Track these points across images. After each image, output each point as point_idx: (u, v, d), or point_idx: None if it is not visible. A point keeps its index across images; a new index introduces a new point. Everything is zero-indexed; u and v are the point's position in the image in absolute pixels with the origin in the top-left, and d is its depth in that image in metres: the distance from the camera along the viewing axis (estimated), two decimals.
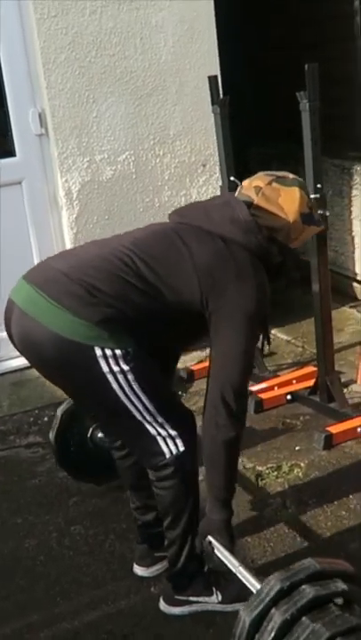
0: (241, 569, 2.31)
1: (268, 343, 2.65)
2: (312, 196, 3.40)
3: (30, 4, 3.92)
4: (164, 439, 2.35)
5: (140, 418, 2.31)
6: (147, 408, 2.30)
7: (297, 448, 3.47)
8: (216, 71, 4.15)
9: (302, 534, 2.89)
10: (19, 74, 4.02)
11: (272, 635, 1.86)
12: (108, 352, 2.22)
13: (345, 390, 3.78)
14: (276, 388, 3.93)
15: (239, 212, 2.41)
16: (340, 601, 1.88)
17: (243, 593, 2.55)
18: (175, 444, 2.36)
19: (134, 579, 2.75)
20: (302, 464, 3.33)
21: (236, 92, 4.10)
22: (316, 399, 3.75)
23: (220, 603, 2.55)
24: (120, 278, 2.27)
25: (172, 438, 2.36)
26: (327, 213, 3.46)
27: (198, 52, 4.25)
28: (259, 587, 1.99)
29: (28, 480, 3.44)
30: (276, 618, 1.87)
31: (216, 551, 2.42)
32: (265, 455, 3.43)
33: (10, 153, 4.15)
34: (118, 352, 2.23)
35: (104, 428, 2.74)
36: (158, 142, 4.29)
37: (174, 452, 2.37)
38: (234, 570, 2.33)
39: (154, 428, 2.33)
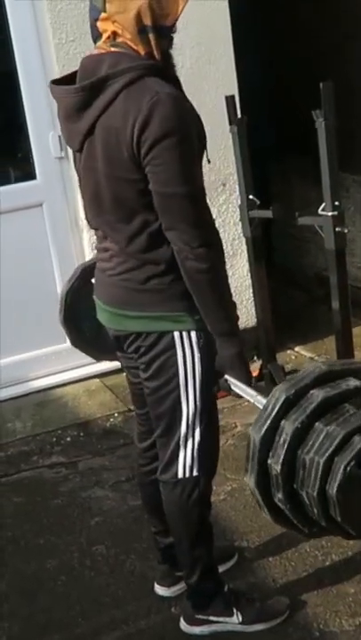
0: (259, 397, 2.18)
1: (266, 347, 2.56)
2: (330, 213, 3.42)
3: (49, 29, 3.97)
4: (184, 454, 2.36)
5: (184, 410, 2.34)
6: (195, 403, 2.33)
7: None
8: (234, 91, 4.17)
9: (324, 553, 2.87)
10: (38, 98, 4.07)
11: (285, 447, 1.75)
12: (185, 335, 2.28)
13: None
14: None
15: (77, 92, 2.16)
16: (357, 399, 1.74)
17: (264, 613, 2.56)
18: (191, 467, 2.37)
19: (155, 598, 2.75)
20: None
21: (254, 109, 4.13)
22: None
23: (240, 623, 2.54)
24: (128, 248, 2.26)
25: (193, 459, 2.36)
26: (345, 230, 3.46)
27: (216, 73, 4.28)
28: None
29: (51, 500, 3.45)
30: (287, 429, 1.76)
31: (233, 387, 2.33)
32: None
33: (31, 176, 4.20)
34: (194, 335, 2.28)
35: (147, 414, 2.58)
36: None
37: (187, 474, 2.37)
38: (252, 400, 2.23)
39: (185, 435, 2.35)
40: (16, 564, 3.06)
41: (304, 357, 4.60)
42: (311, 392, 1.79)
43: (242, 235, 4.11)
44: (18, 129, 4.18)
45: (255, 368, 4.26)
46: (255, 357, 4.38)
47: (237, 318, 2.32)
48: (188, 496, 2.41)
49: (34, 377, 4.34)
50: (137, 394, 2.58)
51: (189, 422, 2.35)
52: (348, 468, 1.70)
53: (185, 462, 2.38)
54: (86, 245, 4.25)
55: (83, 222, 4.21)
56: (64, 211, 4.25)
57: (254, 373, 4.20)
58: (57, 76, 3.97)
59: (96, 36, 2.21)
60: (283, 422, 1.78)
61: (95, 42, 2.23)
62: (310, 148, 3.45)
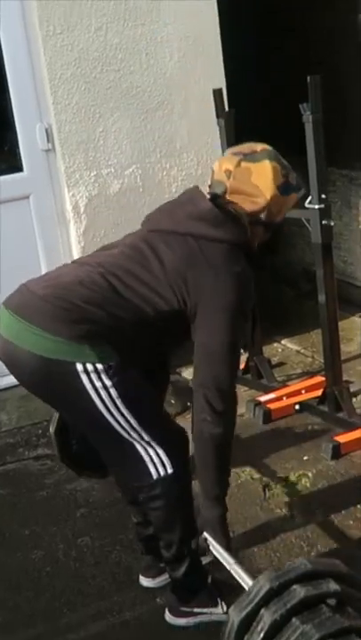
0: (235, 566, 2.29)
1: (253, 340, 2.66)
2: (316, 206, 3.43)
3: (36, 22, 3.96)
4: (151, 459, 2.34)
5: (125, 435, 2.29)
6: (132, 425, 2.28)
7: (305, 458, 3.47)
8: (221, 84, 4.18)
9: (309, 544, 2.89)
10: (25, 90, 4.06)
11: (261, 635, 1.82)
12: (90, 367, 2.21)
13: (353, 400, 3.77)
14: (284, 398, 3.93)
15: (203, 206, 2.38)
16: (332, 602, 1.85)
17: None
18: (163, 465, 2.34)
19: (140, 590, 2.76)
20: (310, 474, 3.33)
21: (241, 104, 4.13)
22: (325, 409, 3.75)
23: (225, 613, 2.54)
24: (96, 294, 2.27)
25: (160, 458, 2.34)
26: (332, 223, 3.47)
27: (204, 67, 4.28)
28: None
29: (36, 492, 3.45)
30: (266, 618, 1.83)
31: (211, 548, 2.41)
32: (273, 465, 3.43)
33: (17, 168, 4.19)
34: (100, 366, 2.21)
35: (95, 446, 2.59)
36: (165, 155, 4.31)
37: (162, 473, 2.35)
38: (228, 567, 2.31)
39: (141, 445, 2.32)
40: (1, 555, 3.06)
41: (291, 350, 4.61)
42: (294, 587, 1.87)
43: None
44: (4, 121, 4.16)
45: (242, 361, 4.27)
46: (242, 350, 4.38)
47: (228, 485, 2.49)
48: (169, 493, 2.38)
49: None
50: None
51: (132, 432, 2.30)
52: None
53: (154, 463, 2.35)
54: (73, 238, 4.25)
55: (70, 215, 4.21)
56: (51, 203, 4.24)
57: (241, 366, 4.22)
58: (44, 68, 3.99)
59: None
60: (263, 611, 1.87)
61: None
62: (297, 142, 3.46)
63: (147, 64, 4.18)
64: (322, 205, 3.44)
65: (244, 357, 4.26)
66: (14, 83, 4.07)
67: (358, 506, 3.07)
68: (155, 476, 2.35)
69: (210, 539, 2.43)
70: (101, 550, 3.00)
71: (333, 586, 1.88)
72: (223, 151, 3.93)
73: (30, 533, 3.16)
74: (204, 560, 2.63)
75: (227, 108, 3.98)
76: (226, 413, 2.38)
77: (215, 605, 2.55)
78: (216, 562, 2.67)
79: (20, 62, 4.04)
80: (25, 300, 2.33)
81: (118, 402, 2.25)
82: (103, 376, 2.22)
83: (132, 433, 2.30)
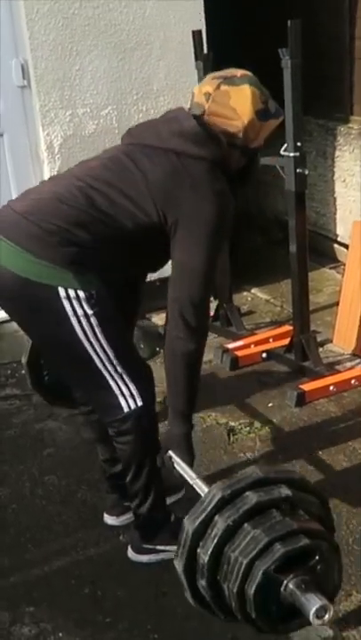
0: (198, 481, 2.33)
1: (233, 262, 2.65)
2: (291, 154, 3.42)
3: None
4: (122, 392, 2.37)
5: (100, 366, 2.33)
6: (108, 355, 2.32)
7: (270, 405, 3.52)
8: (201, 26, 4.12)
9: None
10: (2, 24, 3.97)
11: (215, 541, 1.89)
12: (72, 293, 2.23)
13: (320, 350, 3.82)
14: (252, 346, 3.97)
15: (187, 124, 2.38)
16: (286, 506, 1.91)
17: None
18: (133, 398, 2.38)
19: (104, 527, 2.80)
20: (274, 420, 3.39)
21: (221, 48, 4.08)
22: (292, 357, 3.79)
23: None
24: (77, 212, 2.28)
25: (130, 392, 2.38)
26: (306, 172, 3.47)
27: (183, 7, 4.21)
28: None
29: (4, 431, 3.47)
30: (220, 525, 1.90)
31: (176, 465, 2.45)
32: (238, 411, 3.48)
33: None
34: (82, 294, 2.24)
35: (66, 379, 2.67)
36: (142, 97, 4.26)
37: (132, 406, 2.39)
38: (191, 482, 2.35)
39: (113, 379, 2.35)
40: None
41: (260, 299, 4.64)
42: (246, 494, 1.93)
43: None
44: None
45: (211, 308, 4.29)
46: (212, 298, 4.39)
47: (195, 404, 2.50)
48: (140, 426, 2.43)
49: None
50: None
51: (107, 363, 2.34)
52: (266, 574, 1.85)
53: (124, 396, 2.38)
54: (46, 177, 4.19)
55: (44, 154, 4.16)
56: (25, 142, 4.18)
57: (210, 313, 4.24)
58: (21, 1, 3.90)
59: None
60: (216, 517, 1.93)
61: None
62: (275, 88, 3.43)
63: (126, 2, 4.09)
64: (297, 153, 3.43)
65: (213, 305, 4.29)
66: None
67: (319, 452, 3.13)
68: (125, 409, 2.39)
69: (174, 456, 2.45)
70: (67, 489, 3.04)
71: (285, 491, 1.94)
72: None
73: None
74: (169, 500, 2.68)
75: (205, 51, 3.93)
76: (199, 330, 2.39)
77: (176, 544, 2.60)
78: (180, 500, 2.74)
79: None
80: (10, 220, 2.32)
81: (98, 330, 2.28)
82: (85, 304, 2.25)
83: (106, 364, 2.33)
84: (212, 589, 1.94)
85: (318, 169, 4.92)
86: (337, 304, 4.07)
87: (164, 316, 2.53)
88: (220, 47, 4.08)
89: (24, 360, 2.99)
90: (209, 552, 1.90)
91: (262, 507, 1.91)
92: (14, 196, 4.09)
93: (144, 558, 2.63)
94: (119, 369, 2.35)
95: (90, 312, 2.26)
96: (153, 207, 2.31)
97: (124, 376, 2.36)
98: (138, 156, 2.37)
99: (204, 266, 2.34)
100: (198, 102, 2.43)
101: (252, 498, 1.91)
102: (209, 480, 2.94)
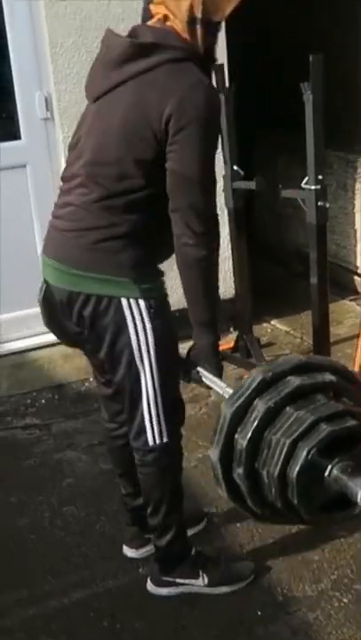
0: (228, 389, 2.24)
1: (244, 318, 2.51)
2: (313, 187, 3.43)
3: None
4: (152, 425, 2.38)
5: (143, 386, 2.35)
6: (153, 379, 2.34)
7: None
8: (223, 59, 4.15)
9: None
10: (26, 57, 4.03)
11: (255, 424, 1.81)
12: (133, 302, 2.27)
13: None
14: None
15: (122, 47, 2.25)
16: (329, 393, 1.82)
17: (229, 577, 2.61)
18: (160, 434, 2.39)
19: (123, 560, 2.79)
20: None
21: (242, 79, 4.12)
22: None
23: (206, 585, 2.59)
24: (102, 212, 2.27)
25: (160, 427, 2.39)
26: (327, 205, 3.48)
27: None
28: None
29: (24, 461, 3.47)
30: (260, 407, 1.82)
31: (204, 379, 2.40)
32: None
33: (15, 136, 4.17)
34: (143, 303, 2.27)
35: (115, 388, 2.56)
36: None
37: (158, 441, 2.40)
38: (221, 392, 2.30)
39: (148, 408, 2.37)
40: None
41: (280, 331, 4.64)
42: (288, 378, 1.85)
43: (224, 205, 4.12)
44: (3, 88, 4.13)
45: (231, 339, 4.29)
46: (232, 329, 4.40)
47: (218, 311, 2.41)
48: (161, 461, 2.44)
49: (11, 338, 4.33)
50: (95, 364, 2.59)
51: (150, 393, 2.36)
52: (311, 453, 1.76)
53: (153, 431, 2.40)
54: None
55: None
56: (47, 173, 4.22)
57: (230, 345, 4.24)
58: (46, 36, 3.96)
59: (146, 18, 2.30)
60: (256, 401, 1.84)
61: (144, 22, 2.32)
62: (296, 121, 3.46)
63: None
64: (318, 186, 3.45)
65: (233, 336, 4.29)
66: (15, 50, 4.03)
67: None
68: (150, 442, 2.40)
69: (202, 370, 2.39)
70: (86, 520, 3.03)
71: (329, 377, 1.86)
72: (223, 128, 3.93)
73: (17, 501, 3.19)
74: (190, 531, 2.67)
75: (227, 84, 3.97)
76: (207, 234, 2.27)
77: (196, 577, 2.58)
78: (200, 533, 2.72)
79: (22, 29, 4.00)
80: (58, 244, 2.36)
81: (152, 348, 2.31)
82: (145, 315, 2.28)
83: (149, 388, 2.35)
84: (249, 479, 1.84)
85: (339, 201, 4.93)
86: (357, 336, 4.05)
87: (182, 345, 2.51)
88: (242, 80, 4.12)
89: (39, 297, 2.66)
90: (248, 436, 1.82)
91: (305, 390, 1.82)
92: (35, 225, 4.23)
93: (164, 591, 2.60)
94: (159, 399, 2.36)
95: (148, 325, 2.28)
96: (146, 146, 2.21)
97: (160, 409, 2.37)
98: (106, 110, 2.27)
99: (200, 171, 2.21)
100: None
101: (294, 381, 1.83)
102: (218, 517, 2.94)
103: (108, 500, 3.10)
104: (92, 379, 4.07)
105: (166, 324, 2.34)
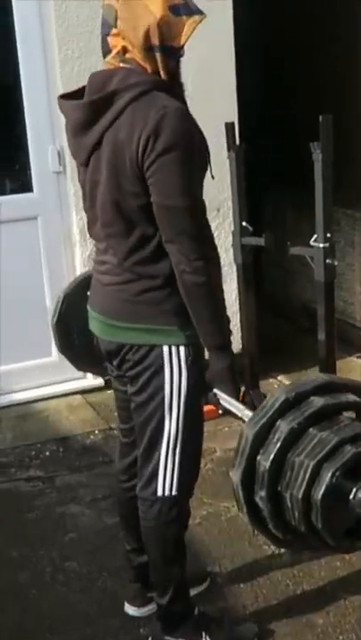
0: (247, 411, 2.21)
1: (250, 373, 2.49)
2: (321, 245, 3.46)
3: (55, 45, 4.01)
4: (165, 472, 2.37)
5: (165, 433, 2.34)
6: (178, 428, 2.33)
7: None
8: (234, 118, 4.22)
9: (296, 582, 2.88)
10: (40, 112, 4.11)
11: (278, 445, 1.77)
12: (174, 350, 2.28)
13: None
14: None
15: (82, 107, 2.22)
16: (351, 414, 1.80)
17: (232, 639, 2.57)
18: (171, 486, 2.37)
19: (125, 618, 2.74)
20: None
21: (253, 139, 4.17)
22: None
23: None
24: (128, 261, 2.28)
25: (172, 479, 2.37)
26: (336, 263, 3.50)
27: (217, 100, 4.32)
28: None
29: (26, 513, 3.44)
30: (283, 427, 1.77)
31: (221, 401, 2.36)
32: None
33: (27, 189, 4.22)
34: (182, 350, 2.29)
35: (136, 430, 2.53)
36: None
37: (167, 493, 2.38)
38: (239, 414, 2.26)
39: (166, 456, 2.36)
40: None
41: None
42: (311, 398, 1.82)
43: (233, 261, 4.14)
44: (17, 141, 4.20)
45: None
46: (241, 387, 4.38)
47: (230, 333, 2.38)
48: (166, 515, 2.41)
49: (17, 389, 4.34)
50: (123, 407, 2.58)
51: (171, 440, 2.36)
52: (335, 476, 1.73)
53: (165, 480, 2.38)
54: (78, 261, 4.27)
55: (76, 237, 4.24)
56: (58, 225, 4.27)
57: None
58: (60, 91, 3.99)
59: (106, 50, 2.26)
60: (279, 421, 1.81)
61: (105, 56, 2.28)
62: (305, 179, 3.49)
63: None
64: (326, 244, 3.47)
65: (240, 391, 4.27)
66: (30, 104, 4.12)
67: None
68: (159, 492, 2.38)
69: (219, 392, 2.35)
70: (88, 576, 2.99)
71: (352, 397, 1.82)
72: (232, 185, 3.98)
73: (18, 555, 3.15)
74: (193, 591, 2.63)
75: (238, 142, 4.02)
76: (202, 259, 2.20)
77: (199, 638, 2.53)
78: (203, 592, 2.68)
79: (37, 85, 4.09)
80: (106, 298, 2.38)
81: (183, 394, 2.31)
82: (182, 362, 2.29)
83: (171, 436, 2.34)
84: (271, 502, 1.80)
85: (346, 258, 4.96)
86: None
87: None
88: (252, 138, 4.18)
89: (53, 321, 2.79)
90: (271, 457, 1.78)
91: (329, 411, 1.79)
92: (45, 276, 4.26)
93: None
94: (178, 449, 2.35)
95: (184, 373, 2.29)
96: (138, 187, 2.18)
97: (177, 459, 2.36)
98: (91, 171, 2.27)
99: (186, 198, 2.15)
100: (109, 4, 2.22)
101: (318, 402, 1.80)
102: (221, 577, 2.90)
103: (110, 556, 3.06)
104: (97, 431, 4.07)
105: (200, 376, 2.34)
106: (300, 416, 1.79)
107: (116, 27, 2.20)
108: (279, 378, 4.72)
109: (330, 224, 3.48)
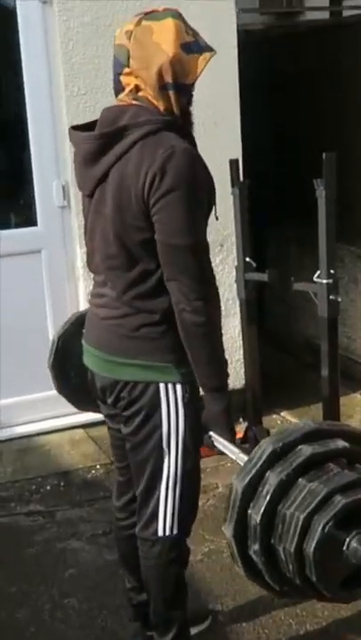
0: (242, 455, 2.18)
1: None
2: (324, 281, 3.46)
3: (62, 82, 4.05)
4: (165, 513, 2.34)
5: (165, 473, 2.32)
6: (176, 468, 2.31)
7: None
8: (238, 154, 4.25)
9: (298, 622, 2.84)
10: (45, 147, 4.14)
11: (267, 499, 1.74)
12: (170, 388, 2.27)
13: None
14: None
15: (92, 141, 2.25)
16: (342, 461, 1.75)
17: None
18: (172, 526, 2.35)
19: None
20: None
21: (257, 175, 4.19)
22: None
23: None
24: (126, 295, 2.28)
25: (173, 517, 2.34)
26: (339, 299, 3.49)
27: (222, 137, 4.36)
28: None
29: (26, 549, 3.40)
30: (272, 480, 1.75)
31: (216, 444, 2.33)
32: None
33: (31, 222, 4.24)
34: (179, 388, 2.27)
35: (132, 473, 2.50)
36: None
37: (168, 533, 2.35)
38: (234, 457, 2.23)
39: (165, 495, 2.33)
40: None
41: (290, 422, 4.59)
42: (299, 447, 1.80)
43: (236, 296, 4.14)
44: (22, 176, 4.23)
45: (240, 430, 4.25)
46: (241, 419, 4.36)
47: (227, 375, 2.34)
48: (167, 555, 2.38)
49: (18, 422, 4.32)
50: (117, 445, 2.56)
51: (170, 480, 2.33)
52: (327, 528, 1.70)
53: (165, 520, 2.36)
54: (81, 295, 4.27)
55: (79, 271, 4.25)
56: (62, 259, 4.28)
57: (239, 435, 4.19)
58: (66, 127, 4.05)
59: (119, 89, 2.29)
60: (268, 473, 1.79)
61: (117, 95, 2.30)
62: (308, 215, 3.50)
63: None
64: (330, 280, 3.46)
65: (243, 427, 4.25)
66: (35, 139, 4.15)
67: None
68: (160, 532, 2.35)
69: (214, 435, 2.32)
70: (88, 614, 2.95)
71: (341, 443, 1.79)
72: (236, 221, 3.99)
73: (17, 591, 3.11)
74: (194, 630, 2.59)
75: (241, 179, 4.04)
76: (203, 299, 2.20)
77: None
78: (205, 631, 2.64)
79: (43, 120, 4.12)
80: (102, 332, 2.36)
81: (180, 435, 2.30)
82: (179, 401, 2.28)
83: (170, 476, 2.32)
84: (265, 555, 1.78)
85: (350, 294, 4.96)
86: None
87: None
88: (256, 174, 4.20)
89: (50, 362, 2.78)
90: (261, 511, 1.75)
91: (317, 460, 1.76)
92: (48, 310, 4.26)
93: None
94: (177, 488, 2.33)
95: (181, 411, 2.28)
96: (143, 224, 2.19)
97: (177, 498, 2.33)
98: (95, 203, 2.29)
99: (189, 237, 2.16)
100: (120, 44, 2.23)
101: (306, 450, 1.77)
102: (223, 615, 2.86)
103: (110, 594, 3.02)
104: (98, 466, 4.04)
105: (198, 414, 2.33)
106: (288, 467, 1.78)
107: (128, 66, 2.22)
108: (282, 414, 4.70)
109: (333, 260, 3.48)
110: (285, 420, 4.62)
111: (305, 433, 1.82)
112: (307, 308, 4.90)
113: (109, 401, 2.37)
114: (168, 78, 2.19)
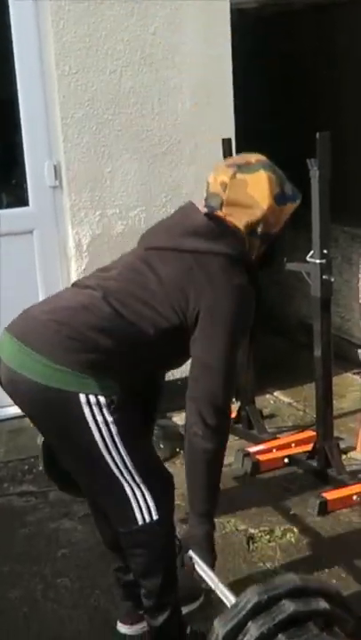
0: (220, 585, 2.22)
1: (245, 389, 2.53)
2: (318, 261, 3.45)
3: (53, 61, 4.02)
4: (138, 503, 2.30)
5: (117, 475, 2.27)
6: (126, 465, 2.26)
7: (291, 512, 3.44)
8: (231, 134, 4.23)
9: None
10: (37, 127, 4.11)
11: None
12: (93, 399, 2.19)
13: (343, 457, 3.75)
14: (274, 450, 3.91)
15: (198, 221, 2.38)
16: (320, 621, 1.79)
17: None
18: (149, 511, 2.30)
19: (117, 636, 2.70)
20: (296, 529, 3.30)
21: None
22: (314, 464, 3.73)
23: None
24: (100, 320, 2.26)
25: (147, 503, 2.30)
26: (332, 279, 3.49)
27: (214, 115, 4.33)
28: None
29: (18, 529, 3.41)
30: (253, 631, 1.77)
31: (196, 566, 2.34)
32: (258, 518, 3.40)
33: (23, 203, 4.22)
34: (103, 400, 2.20)
35: (82, 486, 2.52)
36: (170, 200, 4.34)
37: (147, 519, 2.31)
38: (213, 586, 2.25)
39: (130, 488, 2.28)
40: None
41: (283, 402, 4.60)
42: (283, 602, 1.83)
43: None
44: (14, 156, 4.20)
45: (233, 410, 4.25)
46: (234, 399, 4.37)
47: (217, 502, 2.42)
48: (154, 541, 2.35)
49: (10, 403, 4.29)
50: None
51: (127, 478, 2.28)
52: None
53: (141, 509, 2.31)
54: (73, 275, 4.25)
55: (72, 252, 4.23)
56: (54, 239, 4.26)
57: (232, 415, 4.20)
58: (57, 106, 4.03)
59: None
60: (250, 623, 1.82)
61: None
62: (303, 195, 3.48)
63: (159, 109, 4.23)
64: (323, 260, 3.46)
65: (235, 406, 4.25)
66: (27, 119, 4.12)
67: (342, 565, 3.04)
68: (140, 521, 2.30)
69: (195, 557, 2.34)
70: (80, 593, 2.96)
71: (323, 604, 1.82)
72: None
73: (9, 571, 3.11)
74: (185, 609, 2.60)
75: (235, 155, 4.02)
76: (218, 429, 2.32)
77: None
78: (196, 610, 2.65)
79: (34, 100, 4.09)
80: (28, 326, 2.31)
81: (117, 439, 2.23)
82: (105, 410, 2.20)
83: (124, 473, 2.27)
84: None
85: (343, 275, 4.95)
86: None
87: (184, 415, 2.48)
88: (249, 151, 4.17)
89: (39, 441, 2.78)
90: None
91: (299, 618, 1.78)
92: (40, 290, 4.25)
93: None
94: (137, 479, 2.28)
95: (110, 419, 2.21)
96: (172, 310, 2.29)
97: (142, 487, 2.29)
98: (153, 261, 2.36)
99: (224, 364, 2.30)
100: (215, 192, 2.41)
101: (289, 606, 1.78)
102: (215, 594, 2.85)
103: (103, 573, 3.02)
104: None
105: (130, 416, 2.28)
106: (270, 621, 1.80)
107: (221, 210, 2.40)
108: (275, 393, 4.71)
109: (327, 240, 3.47)
110: (278, 400, 4.63)
111: (291, 589, 1.85)
112: (300, 289, 4.89)
113: (23, 403, 2.36)
114: (259, 228, 2.38)
